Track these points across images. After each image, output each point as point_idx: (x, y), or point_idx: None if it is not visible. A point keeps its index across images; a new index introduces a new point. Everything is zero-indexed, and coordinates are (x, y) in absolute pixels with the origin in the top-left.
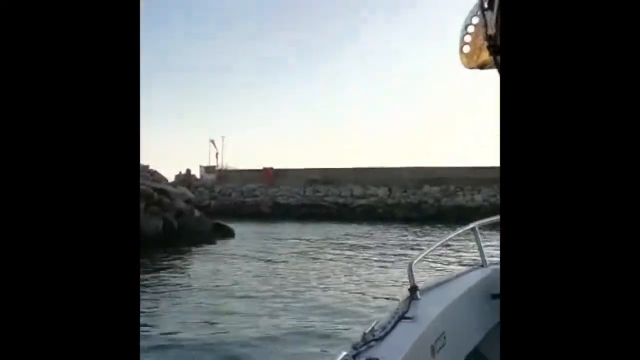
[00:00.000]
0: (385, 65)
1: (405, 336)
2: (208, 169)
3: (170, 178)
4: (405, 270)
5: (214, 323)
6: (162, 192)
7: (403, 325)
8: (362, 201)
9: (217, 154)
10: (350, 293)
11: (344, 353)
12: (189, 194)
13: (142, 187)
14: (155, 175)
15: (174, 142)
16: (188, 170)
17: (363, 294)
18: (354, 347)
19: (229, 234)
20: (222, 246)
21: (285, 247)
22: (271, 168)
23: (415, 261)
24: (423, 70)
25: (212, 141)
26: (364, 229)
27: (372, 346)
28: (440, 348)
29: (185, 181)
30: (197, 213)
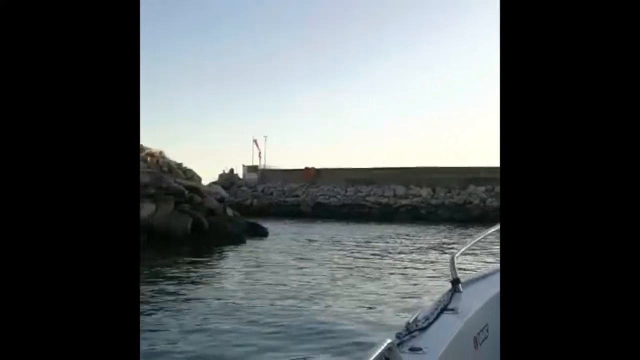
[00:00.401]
0: (428, 67)
1: (448, 327)
2: (250, 169)
3: (214, 177)
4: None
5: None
6: (193, 190)
7: (446, 317)
8: (405, 201)
9: (259, 153)
10: (362, 308)
11: (389, 341)
12: (223, 193)
13: (173, 184)
14: (188, 174)
15: (219, 141)
16: (231, 170)
17: (369, 308)
18: (398, 336)
19: (261, 234)
20: (250, 247)
21: (315, 250)
22: (313, 167)
23: (457, 254)
24: (465, 71)
25: (255, 141)
26: (405, 230)
27: (415, 336)
28: (483, 340)
29: (228, 180)
30: (230, 212)
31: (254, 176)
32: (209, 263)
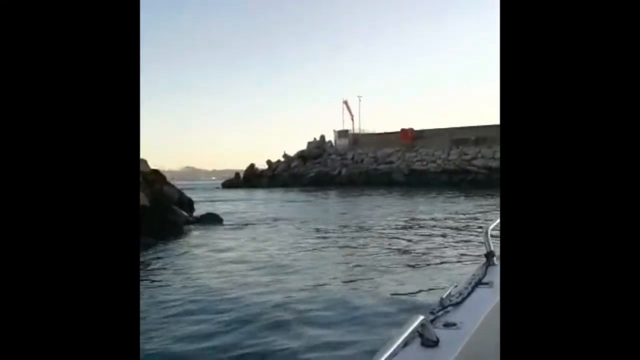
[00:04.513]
0: None
1: (483, 301)
2: (342, 134)
3: (303, 145)
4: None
5: None
6: None
7: (480, 291)
8: None
9: (352, 117)
10: None
11: (421, 317)
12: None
13: None
14: None
15: (309, 107)
16: (322, 137)
17: None
18: (432, 312)
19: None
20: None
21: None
22: (410, 129)
23: (492, 226)
24: None
25: (346, 102)
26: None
27: (449, 311)
28: None
29: (320, 148)
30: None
31: (345, 142)
32: None
